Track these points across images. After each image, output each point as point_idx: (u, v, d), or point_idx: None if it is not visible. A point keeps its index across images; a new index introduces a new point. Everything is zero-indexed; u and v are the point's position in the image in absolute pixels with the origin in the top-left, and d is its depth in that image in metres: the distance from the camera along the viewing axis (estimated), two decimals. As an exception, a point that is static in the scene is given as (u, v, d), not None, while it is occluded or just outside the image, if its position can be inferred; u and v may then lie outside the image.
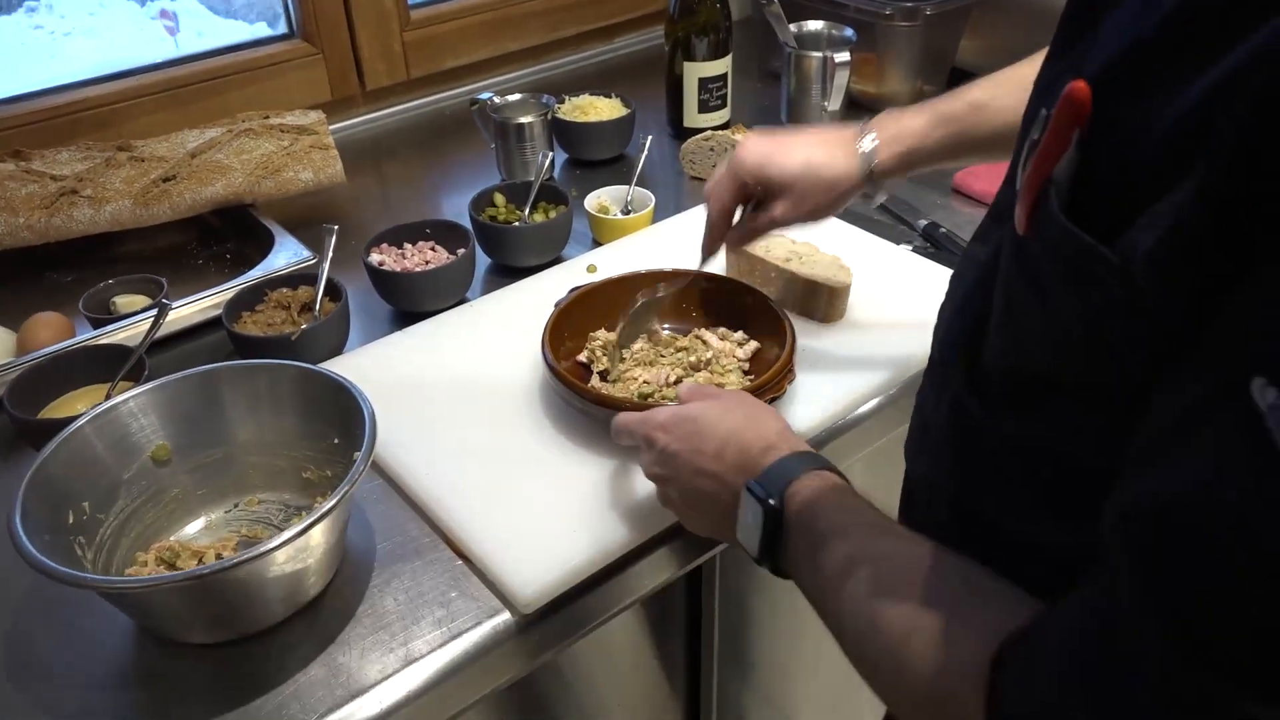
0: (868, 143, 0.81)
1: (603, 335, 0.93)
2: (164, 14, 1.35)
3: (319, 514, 0.66)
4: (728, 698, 1.07)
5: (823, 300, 0.96)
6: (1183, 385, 0.35)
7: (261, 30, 1.41)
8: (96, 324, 0.99)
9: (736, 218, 0.88)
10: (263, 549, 0.63)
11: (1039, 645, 0.42)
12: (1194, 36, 0.35)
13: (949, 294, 0.64)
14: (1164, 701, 0.34)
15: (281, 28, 1.41)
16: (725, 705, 1.08)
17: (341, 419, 0.76)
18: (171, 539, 0.78)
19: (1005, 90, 0.79)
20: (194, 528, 0.80)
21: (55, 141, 1.20)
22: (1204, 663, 0.32)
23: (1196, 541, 0.32)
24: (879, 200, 0.88)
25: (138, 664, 0.70)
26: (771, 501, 0.59)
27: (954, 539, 0.54)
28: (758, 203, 0.86)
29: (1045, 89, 0.51)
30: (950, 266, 1.08)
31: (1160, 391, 0.37)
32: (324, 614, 0.73)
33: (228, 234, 1.20)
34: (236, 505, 0.81)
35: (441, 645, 0.70)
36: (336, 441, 0.77)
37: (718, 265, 1.05)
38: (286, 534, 0.64)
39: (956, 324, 0.59)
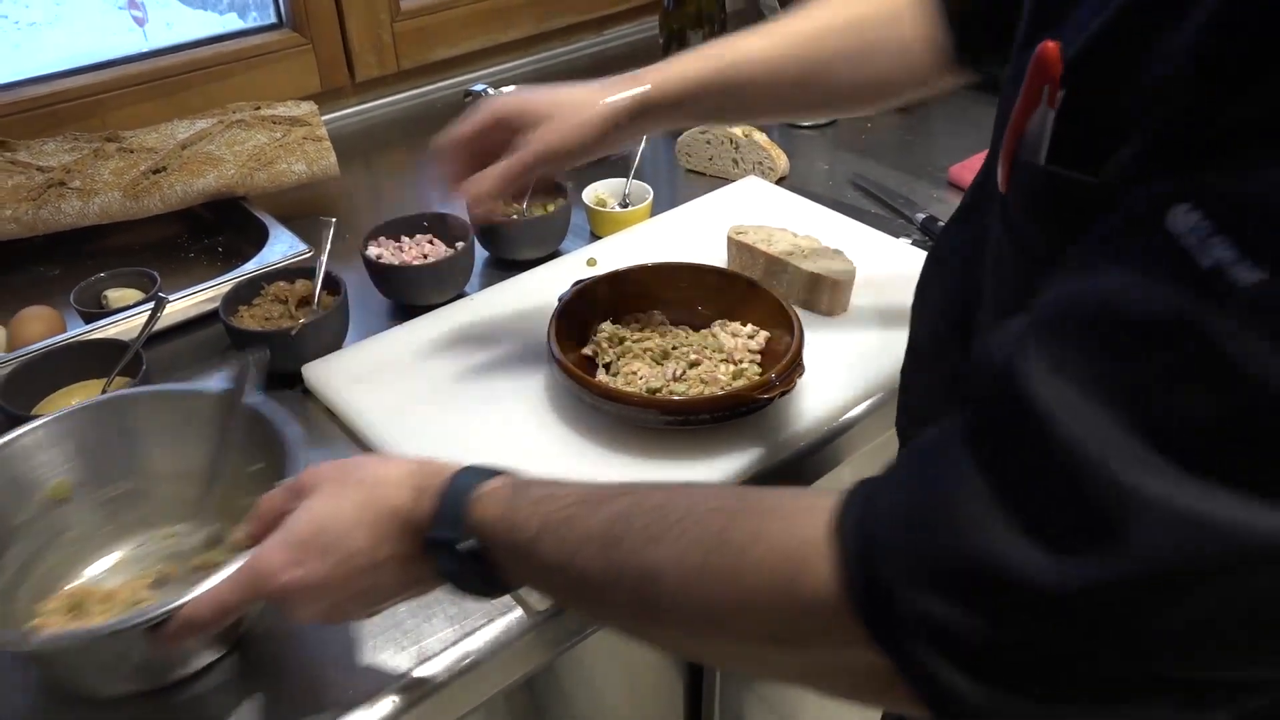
0: (617, 81, 0.79)
1: (608, 328, 0.92)
2: (132, 4, 1.32)
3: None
4: (728, 699, 1.07)
5: (825, 293, 0.96)
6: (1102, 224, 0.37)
7: (232, 21, 1.39)
8: (88, 318, 0.97)
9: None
10: (178, 602, 0.56)
11: (886, 482, 0.42)
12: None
13: (930, 277, 0.64)
14: (1102, 500, 0.33)
15: (254, 18, 1.38)
16: (726, 707, 1.07)
17: (264, 444, 0.70)
18: (77, 582, 0.71)
19: (771, 42, 0.78)
20: (101, 567, 0.73)
21: (37, 133, 1.17)
22: (1142, 454, 0.33)
23: (1137, 343, 0.33)
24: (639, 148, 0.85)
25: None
26: (471, 544, 0.54)
27: None
28: None
29: (1021, 67, 0.51)
30: (949, 260, 1.08)
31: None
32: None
33: (219, 227, 1.18)
34: (147, 540, 0.74)
35: (455, 643, 0.69)
36: (262, 466, 0.70)
37: (719, 258, 1.04)
38: (203, 585, 0.57)
39: (951, 301, 0.59)
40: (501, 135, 0.79)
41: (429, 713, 0.68)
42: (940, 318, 0.59)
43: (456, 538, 0.54)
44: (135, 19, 1.32)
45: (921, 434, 0.50)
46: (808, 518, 0.43)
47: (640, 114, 0.79)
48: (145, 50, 1.28)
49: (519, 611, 0.71)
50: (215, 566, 0.60)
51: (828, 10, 0.78)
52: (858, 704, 0.45)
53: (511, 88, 1.30)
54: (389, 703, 0.66)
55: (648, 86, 0.78)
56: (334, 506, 0.57)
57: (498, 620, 0.71)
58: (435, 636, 0.70)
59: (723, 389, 0.83)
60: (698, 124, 0.81)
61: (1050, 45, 0.40)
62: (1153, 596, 0.33)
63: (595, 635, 0.77)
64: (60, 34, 1.28)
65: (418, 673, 0.67)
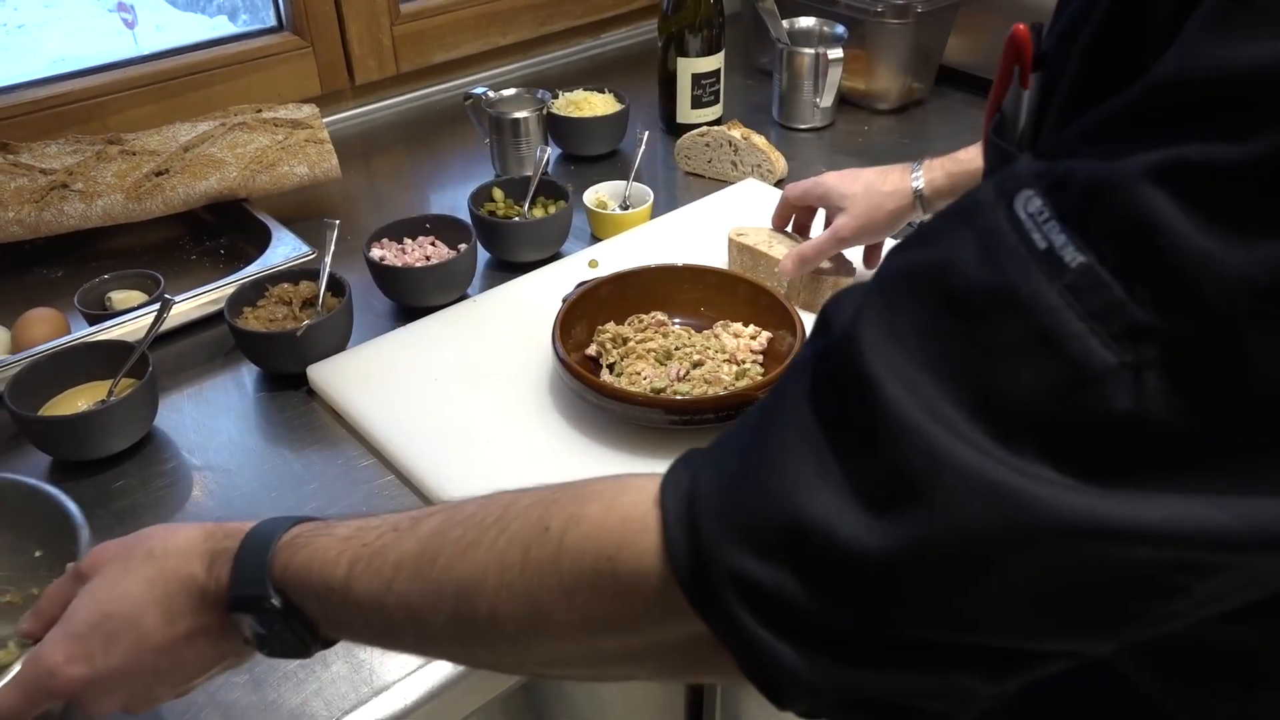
0: (918, 169, 0.94)
1: (611, 329, 0.93)
2: (121, 6, 1.32)
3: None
4: (729, 700, 1.08)
5: (827, 294, 0.97)
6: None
7: (222, 24, 1.39)
8: (92, 320, 0.98)
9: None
10: None
11: (715, 446, 0.42)
12: None
13: None
14: (918, 465, 0.34)
15: (245, 20, 1.38)
16: (727, 706, 1.08)
17: (43, 527, 0.64)
18: None
19: None
20: None
21: (40, 135, 1.17)
22: (966, 418, 0.33)
23: (972, 310, 0.34)
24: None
25: None
26: (273, 602, 0.49)
27: None
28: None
29: None
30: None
31: None
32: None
33: (220, 229, 1.18)
34: None
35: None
36: (39, 555, 0.65)
37: (720, 260, 1.05)
38: None
39: None
40: (818, 205, 1.01)
41: (438, 710, 0.68)
42: None
43: (261, 595, 0.49)
44: (125, 21, 1.32)
45: None
46: (630, 495, 0.42)
47: (929, 204, 0.94)
48: (146, 53, 1.29)
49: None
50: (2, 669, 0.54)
51: None
52: (691, 682, 0.45)
53: (512, 91, 1.30)
54: (399, 699, 0.66)
55: (939, 179, 0.94)
56: (119, 588, 0.52)
57: (506, 618, 0.71)
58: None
59: (726, 389, 0.84)
60: None
61: (1021, 27, 0.43)
62: (958, 564, 0.33)
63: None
64: (50, 36, 1.28)
65: (428, 670, 0.68)
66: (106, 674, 0.52)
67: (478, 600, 0.44)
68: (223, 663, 0.55)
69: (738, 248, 1.03)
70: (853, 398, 0.35)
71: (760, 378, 0.85)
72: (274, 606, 0.49)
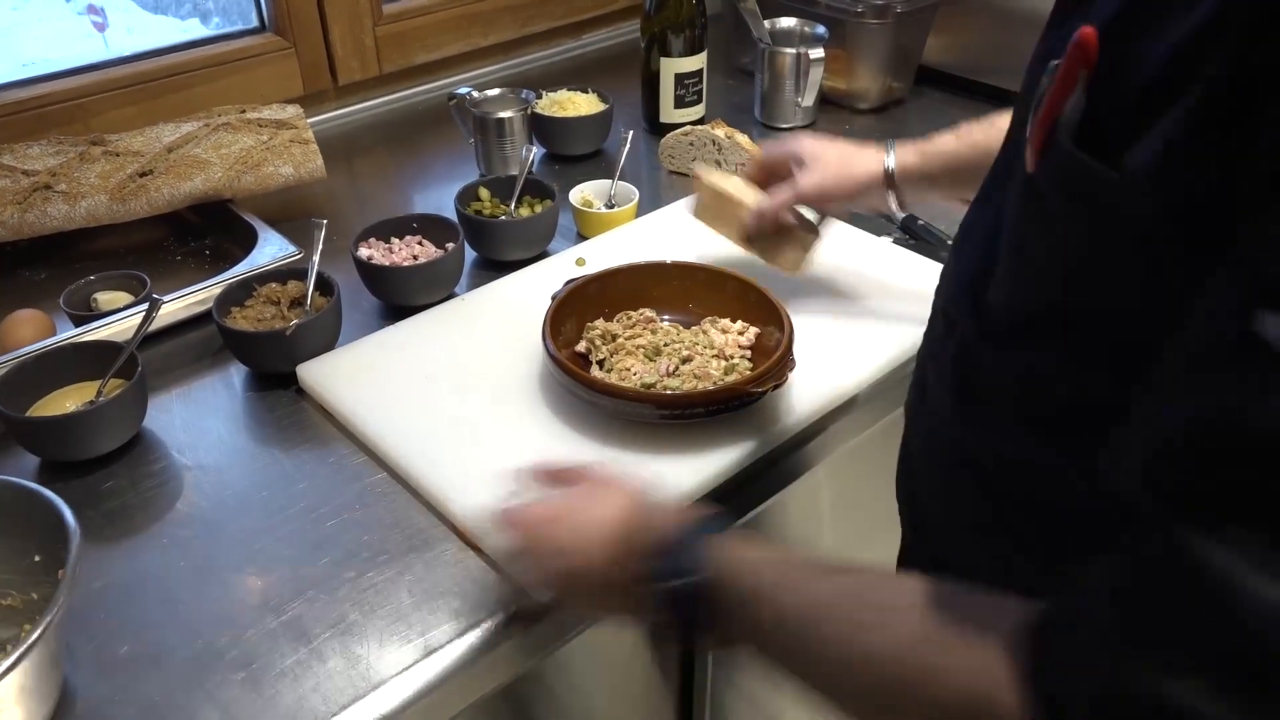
0: (891, 143, 0.93)
1: (600, 325, 0.93)
2: (91, 9, 1.31)
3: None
4: (718, 703, 1.09)
5: (786, 251, 0.96)
6: (1195, 323, 0.39)
7: (194, 26, 1.38)
8: (78, 321, 0.97)
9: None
10: None
11: (1067, 617, 0.42)
12: None
13: (952, 256, 0.67)
14: (1213, 605, 0.35)
15: (217, 23, 1.38)
16: (716, 709, 1.09)
17: (39, 532, 0.66)
18: None
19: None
20: None
21: (21, 136, 1.17)
22: (1252, 565, 0.34)
23: (1227, 459, 0.35)
24: (899, 216, 0.98)
25: None
26: (697, 580, 0.56)
27: (960, 479, 0.57)
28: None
29: (1053, 47, 0.53)
30: (929, 256, 1.11)
31: (1172, 330, 0.40)
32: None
33: (205, 229, 1.18)
34: None
35: (460, 635, 0.70)
36: (37, 559, 0.66)
37: (705, 257, 1.06)
38: None
39: (964, 276, 0.61)
40: (791, 160, 0.96)
41: (435, 704, 0.69)
42: (954, 290, 0.61)
43: (684, 574, 0.56)
44: (95, 24, 1.31)
45: (957, 446, 0.57)
46: (989, 653, 0.44)
47: (899, 180, 0.92)
48: (128, 54, 1.28)
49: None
50: None
51: None
52: None
53: (496, 91, 1.31)
54: (396, 694, 0.67)
55: (910, 159, 0.91)
56: (601, 506, 0.63)
57: (501, 613, 0.72)
58: (441, 629, 0.71)
59: (715, 384, 0.85)
60: (941, 197, 0.92)
61: (1089, 30, 0.42)
62: None
63: (579, 639, 0.78)
64: (19, 40, 1.27)
65: (425, 664, 0.68)
66: (553, 546, 0.64)
67: (831, 687, 0.51)
68: (617, 600, 0.62)
69: (705, 188, 1.02)
70: (1200, 606, 0.36)
71: (749, 372, 0.86)
72: (697, 587, 0.55)
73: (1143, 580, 0.39)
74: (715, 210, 1.01)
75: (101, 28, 1.32)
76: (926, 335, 0.69)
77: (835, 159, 0.94)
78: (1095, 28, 0.42)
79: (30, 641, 0.58)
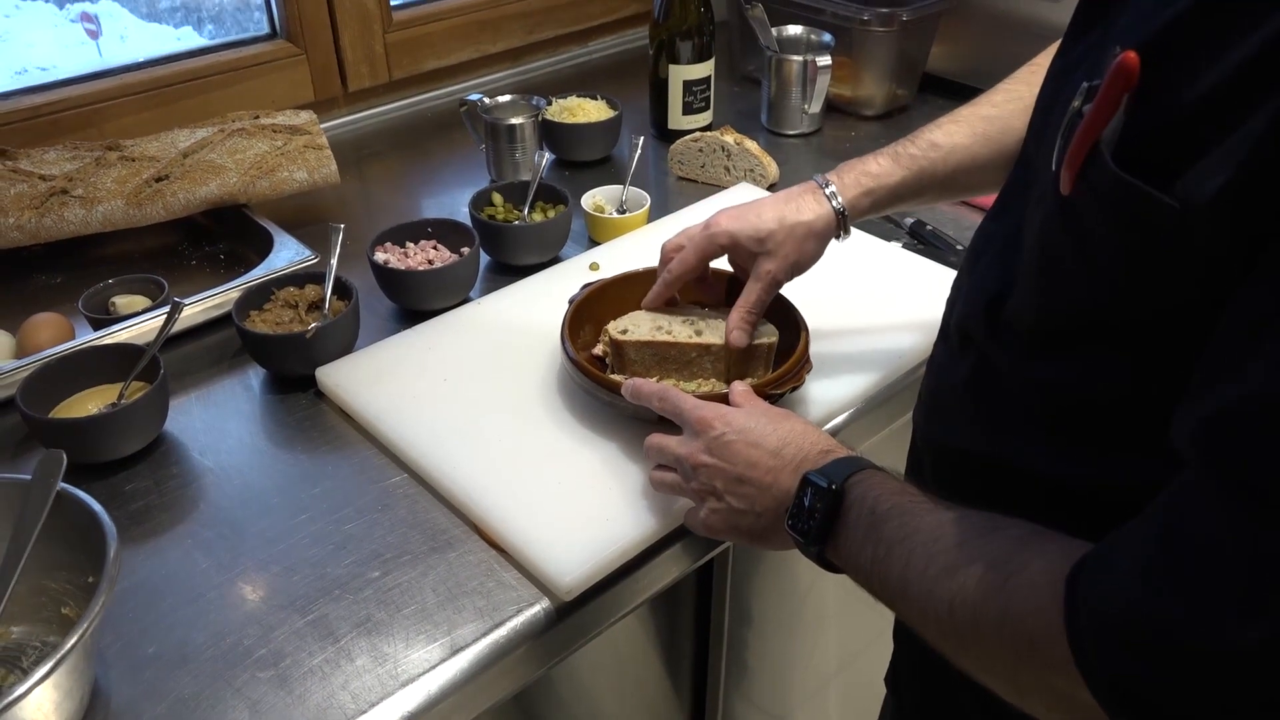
0: (831, 188, 0.86)
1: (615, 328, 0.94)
2: (85, 16, 1.31)
3: (29, 683, 0.57)
4: (731, 702, 1.10)
5: (761, 360, 0.89)
6: (1248, 302, 0.40)
7: (188, 34, 1.39)
8: (97, 324, 0.98)
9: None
10: None
11: (1115, 551, 0.45)
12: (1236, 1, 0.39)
13: (965, 269, 0.68)
14: (1255, 568, 0.38)
15: (210, 31, 1.39)
16: (729, 708, 1.10)
17: (92, 554, 0.65)
18: None
19: (961, 129, 0.84)
20: None
21: (37, 141, 1.17)
22: None
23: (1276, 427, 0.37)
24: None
25: None
26: (834, 486, 0.62)
27: (973, 490, 0.57)
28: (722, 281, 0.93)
29: (1077, 63, 0.54)
30: (938, 261, 1.12)
31: (1226, 310, 0.41)
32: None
33: (220, 234, 1.19)
34: None
35: (486, 633, 0.71)
36: (90, 580, 0.66)
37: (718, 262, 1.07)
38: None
39: (982, 293, 0.62)
40: (725, 254, 0.88)
41: (463, 701, 0.69)
42: (971, 306, 0.62)
43: (832, 482, 0.62)
44: (89, 32, 1.31)
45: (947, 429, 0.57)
46: (1042, 593, 0.47)
47: (849, 222, 0.87)
48: (141, 60, 1.29)
49: (546, 602, 0.73)
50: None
51: (1011, 92, 0.85)
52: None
53: (507, 97, 1.32)
54: (423, 691, 0.68)
55: (859, 199, 0.86)
56: (777, 419, 0.72)
57: (526, 611, 0.73)
58: (467, 627, 0.71)
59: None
60: (897, 211, 0.90)
61: (1132, 55, 0.42)
62: None
63: (591, 645, 0.79)
64: (11, 48, 1.27)
65: (452, 662, 0.69)
66: (729, 443, 0.70)
67: (907, 605, 0.57)
68: (757, 507, 0.69)
69: (635, 349, 0.88)
70: (1228, 556, 0.39)
71: (770, 374, 0.87)
72: (835, 491, 0.61)
73: (1184, 537, 0.41)
74: (664, 366, 0.89)
75: (95, 35, 1.32)
76: (937, 347, 0.70)
77: (784, 230, 0.84)
78: (1136, 51, 0.42)
79: (64, 650, 0.58)
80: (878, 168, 0.86)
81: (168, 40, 1.37)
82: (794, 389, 0.84)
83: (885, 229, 1.20)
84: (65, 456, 0.68)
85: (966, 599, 0.51)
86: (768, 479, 0.68)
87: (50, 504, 0.66)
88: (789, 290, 0.91)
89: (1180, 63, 0.41)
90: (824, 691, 1.28)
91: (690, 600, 0.98)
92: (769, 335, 0.89)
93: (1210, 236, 0.41)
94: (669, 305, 0.94)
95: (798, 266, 0.86)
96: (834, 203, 0.85)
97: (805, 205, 0.85)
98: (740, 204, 0.88)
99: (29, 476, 0.68)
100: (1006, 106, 0.84)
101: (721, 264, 0.91)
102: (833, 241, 0.87)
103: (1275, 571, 0.37)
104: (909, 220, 1.21)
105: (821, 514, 0.62)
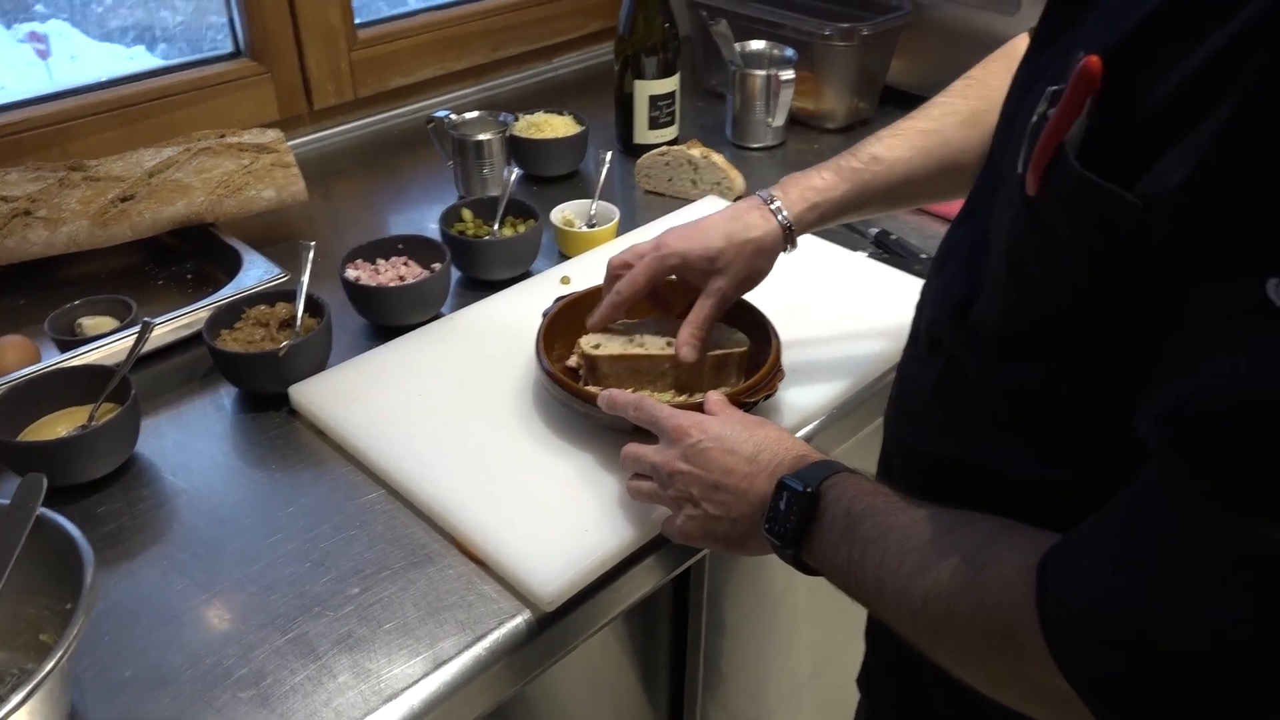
0: (776, 203, 0.87)
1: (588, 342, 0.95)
2: (33, 36, 1.29)
3: (2, 712, 0.57)
4: (707, 711, 1.10)
5: (732, 370, 0.91)
6: (1203, 298, 0.41)
7: (140, 53, 1.38)
8: (64, 346, 0.97)
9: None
10: None
11: (1083, 542, 0.46)
12: (1201, 3, 0.41)
13: (933, 274, 0.69)
14: (1216, 553, 0.39)
15: (163, 50, 1.38)
16: (705, 717, 1.11)
17: (69, 579, 0.65)
18: None
19: (901, 142, 0.87)
20: None
21: (-2, 162, 1.16)
22: (1254, 513, 0.38)
23: (1240, 421, 0.38)
24: (792, 252, 0.90)
25: None
26: (809, 490, 0.63)
27: (943, 491, 0.59)
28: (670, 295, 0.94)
29: (1043, 71, 0.56)
30: (903, 270, 1.14)
31: (1183, 307, 0.43)
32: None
33: (186, 253, 1.18)
34: None
35: (468, 646, 0.71)
36: (68, 606, 0.64)
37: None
38: None
39: (950, 296, 0.63)
40: (675, 273, 0.89)
41: (446, 715, 0.69)
42: (938, 311, 0.63)
43: (807, 485, 0.64)
44: (38, 51, 1.30)
45: (918, 434, 0.60)
46: (1014, 585, 0.49)
47: (795, 236, 0.88)
48: (104, 79, 1.28)
49: (527, 613, 0.74)
50: None
51: (947, 106, 0.87)
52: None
53: (474, 113, 1.33)
54: (405, 706, 0.68)
55: (805, 213, 0.87)
56: (752, 426, 0.73)
57: (507, 623, 0.73)
58: (449, 640, 0.71)
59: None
60: (840, 223, 0.92)
61: (1095, 60, 0.44)
62: (1256, 630, 0.38)
63: (569, 658, 0.80)
64: None
65: (435, 676, 0.69)
66: (705, 450, 0.72)
67: (883, 603, 0.58)
68: (733, 512, 0.70)
69: (608, 362, 0.89)
70: (1190, 541, 0.41)
71: (743, 383, 0.88)
72: (810, 494, 0.63)
73: (1149, 524, 0.43)
74: (628, 377, 0.90)
75: (44, 55, 1.30)
76: (907, 351, 0.71)
77: (732, 248, 0.86)
78: (1100, 55, 0.44)
79: (40, 677, 0.58)
80: (821, 182, 0.87)
81: (119, 60, 1.35)
82: (767, 397, 0.85)
83: (851, 239, 1.22)
84: (45, 481, 0.67)
85: (940, 593, 0.52)
86: (744, 485, 0.69)
87: (29, 528, 0.65)
88: (760, 301, 0.93)
89: (1143, 66, 0.43)
90: (798, 696, 1.29)
91: (667, 611, 0.99)
92: (740, 345, 0.91)
93: (1170, 233, 0.42)
94: (639, 317, 0.95)
95: (748, 282, 0.88)
96: (780, 218, 0.86)
97: (752, 222, 0.86)
98: (687, 223, 0.89)
99: (6, 501, 0.68)
100: (944, 120, 0.87)
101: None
102: (781, 255, 0.89)
103: (1235, 561, 0.39)
104: (873, 230, 1.23)
105: (797, 517, 0.63)
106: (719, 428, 0.73)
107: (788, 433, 0.74)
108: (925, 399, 0.65)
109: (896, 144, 0.87)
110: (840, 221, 0.91)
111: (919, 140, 0.87)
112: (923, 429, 0.66)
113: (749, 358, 0.91)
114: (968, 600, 0.51)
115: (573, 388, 0.86)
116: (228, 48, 1.39)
